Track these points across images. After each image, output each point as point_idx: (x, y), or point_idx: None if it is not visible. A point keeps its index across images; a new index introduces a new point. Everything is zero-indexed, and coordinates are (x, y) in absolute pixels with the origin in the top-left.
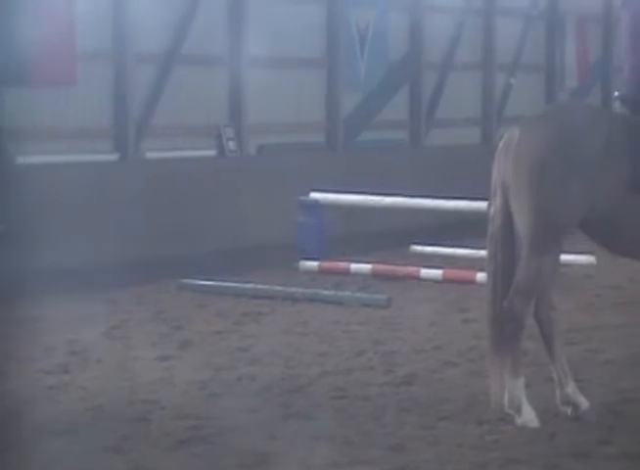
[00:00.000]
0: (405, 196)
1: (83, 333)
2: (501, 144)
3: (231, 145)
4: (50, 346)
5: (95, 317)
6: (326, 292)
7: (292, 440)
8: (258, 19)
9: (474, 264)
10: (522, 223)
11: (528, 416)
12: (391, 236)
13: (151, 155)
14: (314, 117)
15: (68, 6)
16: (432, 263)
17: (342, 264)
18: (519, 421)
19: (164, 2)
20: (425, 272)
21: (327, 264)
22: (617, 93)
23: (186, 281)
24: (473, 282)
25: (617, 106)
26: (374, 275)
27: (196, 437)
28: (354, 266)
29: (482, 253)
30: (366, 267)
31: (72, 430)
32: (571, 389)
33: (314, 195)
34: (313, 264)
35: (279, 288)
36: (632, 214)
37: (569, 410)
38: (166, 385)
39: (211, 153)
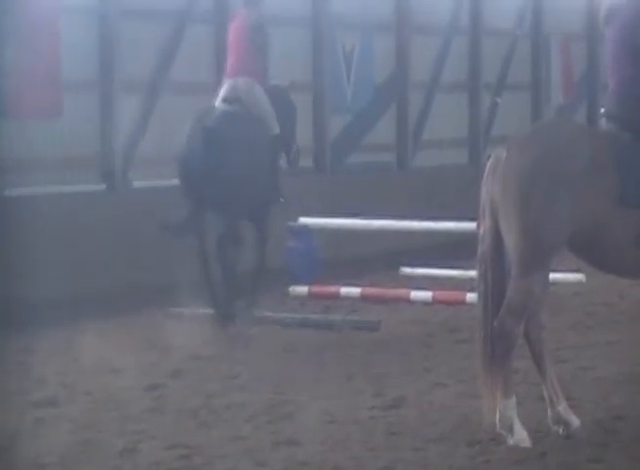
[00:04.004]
0: (394, 218)
1: (72, 364)
2: (489, 164)
3: None
4: (38, 378)
5: (83, 348)
6: (316, 316)
7: (282, 466)
8: None
9: (464, 285)
10: (511, 243)
11: (520, 436)
12: (381, 259)
13: (138, 184)
14: (301, 140)
15: (53, 37)
16: (421, 285)
17: (333, 289)
18: (511, 441)
19: (150, 31)
20: (414, 294)
21: (317, 289)
22: (603, 110)
23: (173, 309)
24: (463, 303)
25: (603, 122)
26: (363, 299)
27: (186, 466)
28: (344, 290)
29: (472, 273)
30: (356, 291)
31: (61, 463)
32: (562, 407)
33: (303, 220)
34: (303, 289)
35: (268, 313)
36: (618, 232)
37: (560, 429)
38: (156, 414)
39: None
